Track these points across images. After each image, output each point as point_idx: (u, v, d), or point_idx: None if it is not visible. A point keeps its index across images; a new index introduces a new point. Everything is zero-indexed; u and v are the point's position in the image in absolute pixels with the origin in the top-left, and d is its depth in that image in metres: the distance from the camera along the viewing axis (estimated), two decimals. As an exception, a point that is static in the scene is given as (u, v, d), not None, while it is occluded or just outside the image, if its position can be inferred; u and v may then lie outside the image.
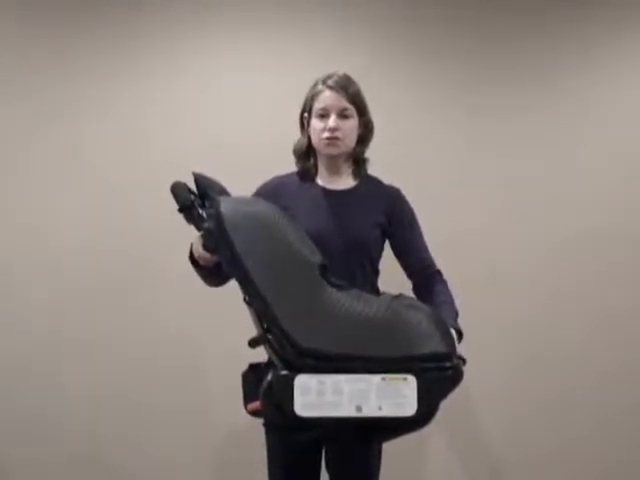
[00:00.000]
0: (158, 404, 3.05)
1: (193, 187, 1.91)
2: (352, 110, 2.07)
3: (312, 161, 2.16)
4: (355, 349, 1.67)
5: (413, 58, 3.16)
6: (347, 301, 1.72)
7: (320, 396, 1.63)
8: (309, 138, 2.13)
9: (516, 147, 3.15)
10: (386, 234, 2.14)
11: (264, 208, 1.83)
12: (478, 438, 3.12)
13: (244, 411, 1.84)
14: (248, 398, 1.81)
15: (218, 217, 1.74)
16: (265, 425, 2.05)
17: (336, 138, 2.06)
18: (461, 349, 1.85)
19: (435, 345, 1.71)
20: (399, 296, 1.87)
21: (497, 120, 3.16)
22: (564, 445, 3.10)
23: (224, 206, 1.76)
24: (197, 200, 1.86)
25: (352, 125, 2.08)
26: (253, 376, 1.84)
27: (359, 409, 1.65)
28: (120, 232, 3.08)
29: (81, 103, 3.11)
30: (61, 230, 3.08)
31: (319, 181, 2.15)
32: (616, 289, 3.12)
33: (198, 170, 1.93)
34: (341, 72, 2.11)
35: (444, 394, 1.72)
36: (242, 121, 3.10)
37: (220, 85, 3.13)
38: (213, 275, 1.98)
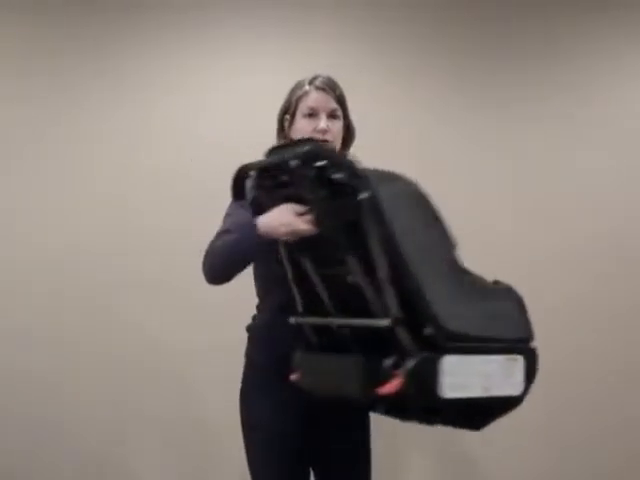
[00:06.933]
0: (157, 406, 3.08)
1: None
2: (339, 111, 2.04)
3: None
4: (489, 331, 1.69)
5: (411, 57, 3.19)
6: (479, 284, 1.74)
7: (459, 377, 1.62)
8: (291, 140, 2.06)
9: (519, 147, 3.18)
10: None
11: (411, 184, 1.74)
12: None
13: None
14: (375, 382, 1.67)
15: (372, 193, 1.63)
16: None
17: (326, 141, 2.00)
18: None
19: (530, 328, 1.76)
20: (497, 282, 1.88)
21: (498, 120, 3.18)
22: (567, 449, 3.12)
23: (375, 180, 1.67)
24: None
25: (340, 127, 2.05)
26: (364, 362, 1.72)
27: (486, 389, 1.65)
28: (118, 233, 3.10)
29: (81, 105, 3.14)
30: (59, 231, 3.11)
31: None
32: (625, 290, 3.14)
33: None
34: (324, 74, 2.07)
35: (535, 376, 1.75)
36: (243, 123, 3.11)
37: (221, 88, 3.16)
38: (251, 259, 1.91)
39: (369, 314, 1.69)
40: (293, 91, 2.07)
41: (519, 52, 3.19)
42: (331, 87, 2.04)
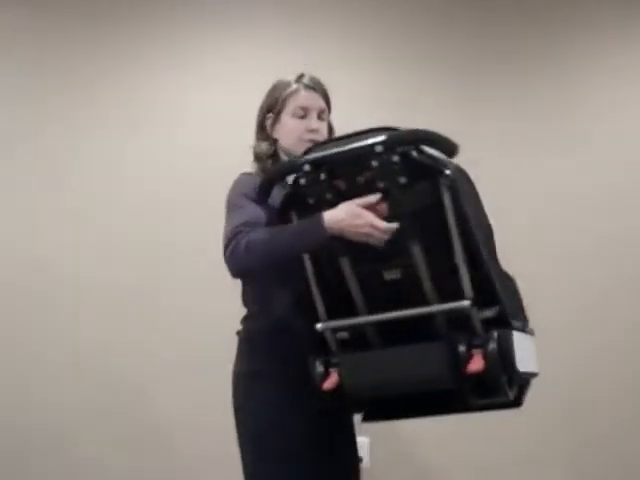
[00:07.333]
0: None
1: None
2: (326, 111, 2.02)
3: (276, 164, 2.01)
4: (520, 313, 1.79)
5: (411, 60, 3.20)
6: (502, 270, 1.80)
7: (520, 353, 1.69)
8: (274, 140, 2.02)
9: (518, 147, 3.17)
10: None
11: (462, 167, 1.76)
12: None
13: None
14: (458, 364, 1.69)
15: (452, 174, 1.66)
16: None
17: (317, 141, 1.96)
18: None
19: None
20: None
21: (498, 117, 3.19)
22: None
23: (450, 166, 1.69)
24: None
25: (326, 128, 2.02)
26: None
27: (530, 365, 1.75)
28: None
29: (83, 111, 3.16)
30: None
31: None
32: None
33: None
34: (308, 72, 2.03)
35: None
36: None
37: (226, 89, 3.17)
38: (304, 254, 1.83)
39: (407, 307, 1.71)
40: (278, 89, 2.01)
41: (525, 50, 3.21)
42: (319, 86, 2.01)
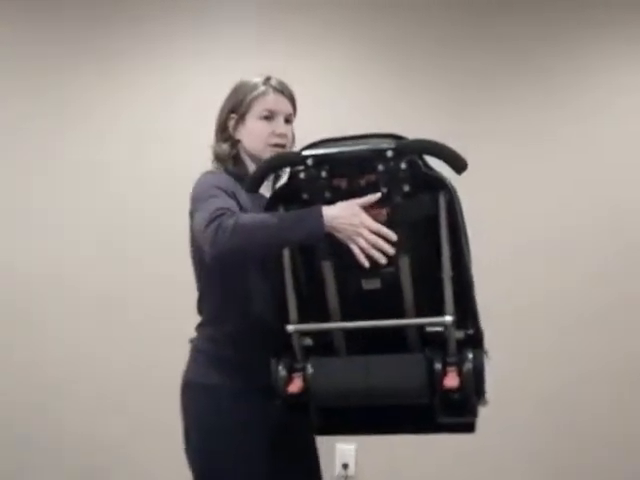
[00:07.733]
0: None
1: None
2: (293, 116, 1.98)
3: (237, 166, 1.96)
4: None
5: (403, 64, 3.20)
6: None
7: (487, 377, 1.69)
8: (236, 141, 1.96)
9: (503, 143, 3.17)
10: None
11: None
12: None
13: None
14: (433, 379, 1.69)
15: (451, 191, 1.66)
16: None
17: (283, 145, 1.93)
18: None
19: None
20: None
21: (490, 115, 3.19)
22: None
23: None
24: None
25: (291, 132, 1.98)
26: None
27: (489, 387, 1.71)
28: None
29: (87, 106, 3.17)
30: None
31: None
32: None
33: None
34: (275, 75, 1.97)
35: None
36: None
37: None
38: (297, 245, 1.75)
39: (383, 318, 1.68)
40: (243, 90, 1.95)
41: (527, 52, 3.19)
42: (287, 90, 1.97)
